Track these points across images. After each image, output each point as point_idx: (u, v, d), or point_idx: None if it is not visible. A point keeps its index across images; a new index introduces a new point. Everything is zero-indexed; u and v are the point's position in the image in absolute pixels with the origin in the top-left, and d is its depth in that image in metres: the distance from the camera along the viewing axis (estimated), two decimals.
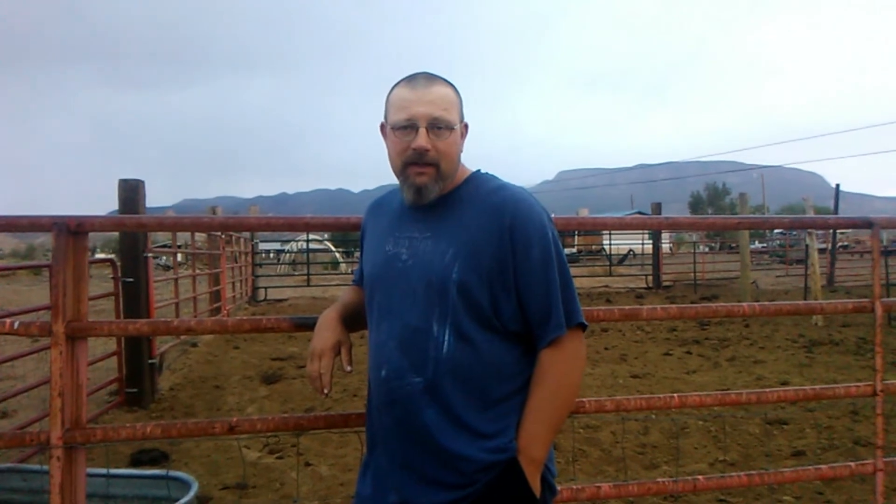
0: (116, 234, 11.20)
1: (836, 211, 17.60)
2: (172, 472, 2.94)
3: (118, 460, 4.23)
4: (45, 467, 2.01)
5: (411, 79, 1.56)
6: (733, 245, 31.61)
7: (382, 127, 1.61)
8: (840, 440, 4.60)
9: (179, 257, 12.15)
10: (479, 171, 1.66)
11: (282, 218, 2.35)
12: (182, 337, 8.30)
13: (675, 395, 2.50)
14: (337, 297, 1.96)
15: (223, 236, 12.00)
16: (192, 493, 2.72)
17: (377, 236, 1.68)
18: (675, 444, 4.55)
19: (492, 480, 1.47)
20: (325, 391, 1.62)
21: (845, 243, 33.14)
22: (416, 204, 1.57)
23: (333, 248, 31.10)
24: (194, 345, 8.87)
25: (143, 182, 6.05)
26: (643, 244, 21.09)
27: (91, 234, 2.20)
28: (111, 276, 5.99)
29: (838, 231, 21.38)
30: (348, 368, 1.66)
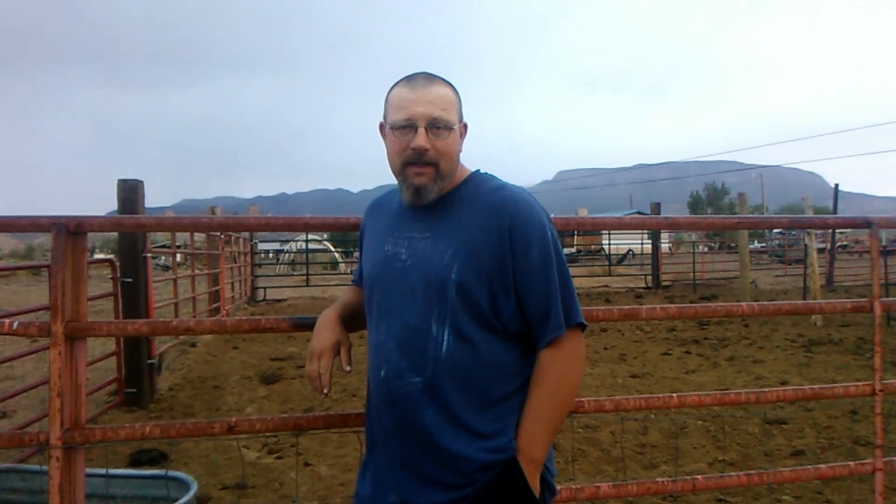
0: (115, 234, 11.20)
1: (835, 211, 17.61)
2: (171, 473, 2.93)
3: (117, 460, 4.23)
4: (45, 468, 2.00)
5: (410, 79, 1.56)
6: (732, 245, 31.63)
7: (381, 127, 1.61)
8: (839, 440, 4.61)
9: (178, 257, 12.14)
10: (478, 171, 1.66)
11: (281, 218, 2.35)
12: (181, 337, 8.29)
13: (675, 394, 2.50)
14: (336, 297, 1.96)
15: (222, 236, 12.00)
16: (191, 494, 2.72)
17: (376, 236, 1.67)
18: (675, 444, 4.56)
19: (491, 480, 1.47)
20: (325, 391, 1.62)
21: (844, 243, 33.17)
22: (415, 204, 1.57)
23: (332, 249, 31.11)
24: (193, 345, 8.86)
25: (142, 182, 6.04)
26: (642, 244, 21.12)
27: (90, 235, 2.20)
28: (110, 276, 5.99)
29: (837, 231, 21.40)
30: (347, 368, 1.66)
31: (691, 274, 18.42)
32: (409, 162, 1.53)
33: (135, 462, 4.26)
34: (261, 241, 21.22)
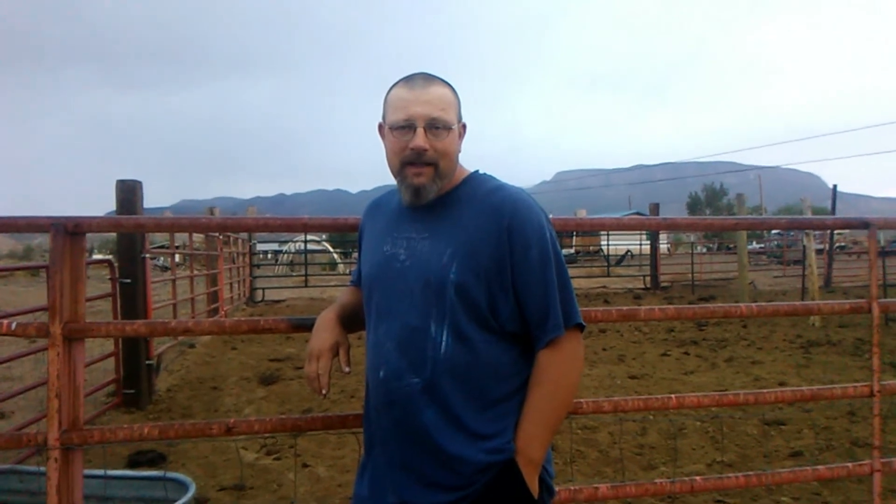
0: (114, 234, 11.18)
1: (833, 211, 17.65)
2: (170, 474, 2.93)
3: (115, 461, 4.22)
4: (43, 468, 2.00)
5: (409, 79, 1.56)
6: (731, 246, 31.65)
7: (380, 127, 1.61)
8: (838, 441, 4.61)
9: (177, 258, 12.13)
10: (477, 171, 1.66)
11: (279, 219, 2.35)
12: (179, 338, 8.29)
13: (673, 395, 2.49)
14: (335, 297, 1.96)
15: (221, 237, 11.99)
16: (189, 495, 2.71)
17: (375, 237, 1.67)
18: (673, 445, 4.56)
19: (490, 481, 1.47)
20: (323, 392, 1.62)
21: (843, 244, 33.18)
22: (414, 204, 1.57)
23: (331, 249, 31.09)
24: (192, 346, 8.86)
25: (140, 183, 6.04)
26: (641, 245, 21.14)
27: (88, 235, 2.19)
28: (109, 276, 5.98)
29: (836, 232, 21.42)
30: (346, 369, 1.66)
31: (690, 275, 18.44)
32: (407, 162, 1.53)
33: (133, 463, 4.25)
34: (259, 242, 21.22)
